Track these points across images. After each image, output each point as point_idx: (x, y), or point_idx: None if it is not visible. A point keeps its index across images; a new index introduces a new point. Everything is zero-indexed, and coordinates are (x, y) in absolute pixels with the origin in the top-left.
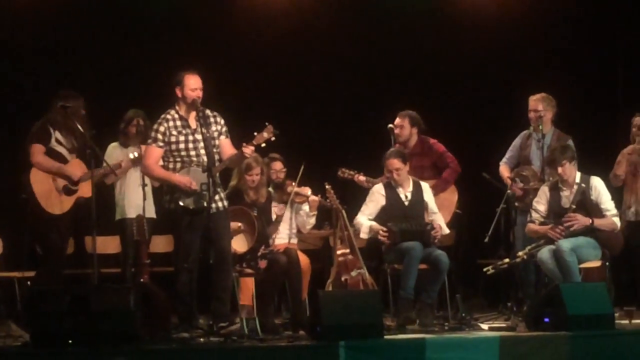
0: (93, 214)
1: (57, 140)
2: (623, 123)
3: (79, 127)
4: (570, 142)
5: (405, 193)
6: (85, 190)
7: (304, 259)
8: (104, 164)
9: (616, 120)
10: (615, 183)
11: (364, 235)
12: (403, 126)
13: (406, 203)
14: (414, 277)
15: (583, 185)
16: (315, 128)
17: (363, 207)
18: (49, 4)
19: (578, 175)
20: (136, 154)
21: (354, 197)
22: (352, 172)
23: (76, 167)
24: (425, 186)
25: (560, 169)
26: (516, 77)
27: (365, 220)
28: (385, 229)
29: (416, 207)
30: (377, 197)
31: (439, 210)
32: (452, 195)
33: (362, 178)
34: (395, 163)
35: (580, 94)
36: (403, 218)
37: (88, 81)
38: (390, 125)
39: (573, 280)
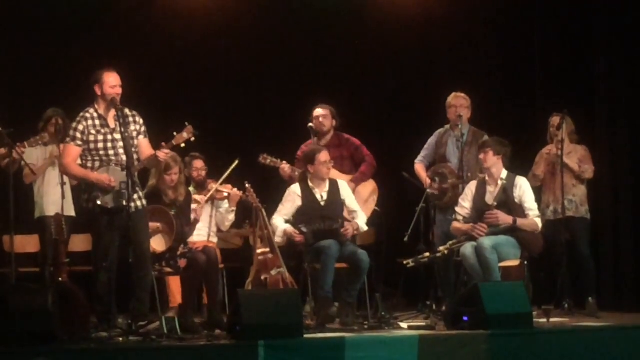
0: (11, 212)
1: None
2: (541, 123)
3: None
4: (486, 137)
5: (321, 193)
6: None
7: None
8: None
9: (534, 120)
10: (534, 183)
11: (278, 239)
12: (326, 116)
13: (322, 203)
14: (332, 276)
15: (506, 182)
16: (235, 126)
17: (280, 207)
18: None
19: (505, 173)
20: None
21: (274, 196)
22: (275, 160)
23: None
24: (343, 184)
25: (482, 155)
26: (434, 75)
27: (281, 222)
28: (297, 232)
29: (332, 207)
30: (293, 197)
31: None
32: (372, 193)
33: (286, 167)
34: (326, 155)
35: (499, 93)
36: (319, 218)
37: (6, 79)
38: (311, 125)
39: (493, 277)
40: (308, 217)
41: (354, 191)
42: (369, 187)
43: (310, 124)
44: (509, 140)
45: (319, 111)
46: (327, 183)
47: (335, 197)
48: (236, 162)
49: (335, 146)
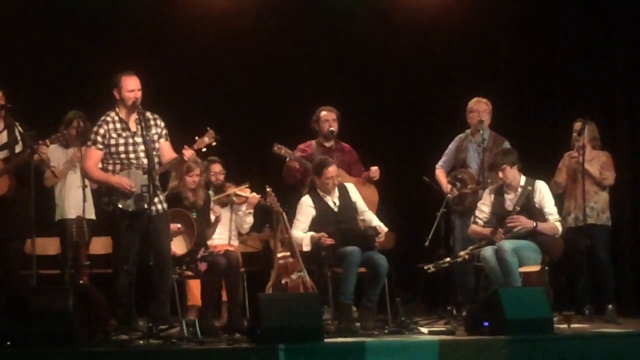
0: (32, 214)
1: None
2: (561, 129)
3: (19, 127)
4: (507, 144)
5: (332, 200)
6: (1, 187)
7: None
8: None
9: (555, 126)
10: (556, 190)
11: (306, 247)
12: (335, 119)
13: (335, 209)
14: (353, 282)
15: (529, 188)
16: (256, 130)
17: (295, 222)
18: None
19: (523, 178)
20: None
21: (294, 200)
22: (289, 151)
23: None
24: (350, 186)
25: (501, 174)
26: (454, 80)
27: (302, 233)
28: (325, 234)
29: (346, 211)
30: (306, 209)
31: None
32: (373, 197)
33: (297, 164)
34: (334, 171)
35: (520, 98)
36: (336, 224)
37: (28, 82)
38: (332, 129)
39: (513, 281)
40: (324, 224)
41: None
42: (372, 191)
43: (332, 129)
44: (529, 146)
45: (330, 114)
46: (336, 188)
47: (347, 201)
48: (246, 185)
49: (340, 150)
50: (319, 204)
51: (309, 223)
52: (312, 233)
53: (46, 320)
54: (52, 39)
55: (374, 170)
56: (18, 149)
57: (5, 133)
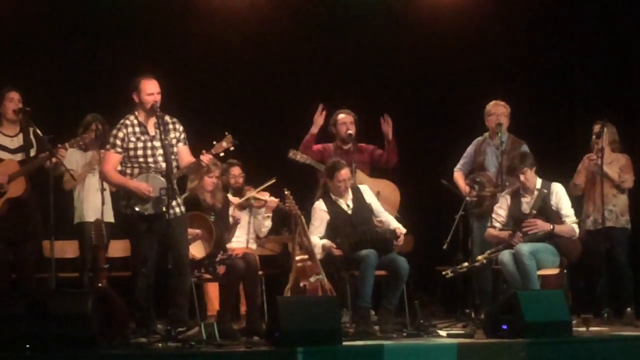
0: (51, 217)
1: None
2: (580, 131)
3: (37, 130)
4: (525, 147)
5: (346, 203)
6: (15, 189)
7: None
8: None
9: (573, 129)
10: (575, 192)
11: (318, 255)
12: (353, 122)
13: (349, 212)
14: (371, 285)
15: (545, 191)
16: (274, 134)
17: (311, 227)
18: (5, 6)
19: (539, 181)
20: None
21: (313, 203)
22: (305, 156)
23: (3, 167)
24: (365, 188)
25: (522, 177)
26: (472, 83)
27: (317, 239)
28: (334, 245)
29: (361, 214)
30: (320, 214)
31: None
32: (394, 197)
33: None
34: (346, 174)
35: (539, 101)
36: (350, 227)
37: (47, 85)
38: (350, 132)
39: (531, 284)
40: (339, 228)
41: (378, 194)
42: (393, 191)
43: (350, 132)
44: (547, 149)
45: (347, 117)
46: (350, 191)
47: (361, 202)
48: (273, 180)
49: (357, 151)
50: (332, 208)
51: (324, 227)
52: (324, 241)
53: (65, 323)
54: (70, 42)
55: (385, 123)
56: (33, 152)
57: (21, 136)
